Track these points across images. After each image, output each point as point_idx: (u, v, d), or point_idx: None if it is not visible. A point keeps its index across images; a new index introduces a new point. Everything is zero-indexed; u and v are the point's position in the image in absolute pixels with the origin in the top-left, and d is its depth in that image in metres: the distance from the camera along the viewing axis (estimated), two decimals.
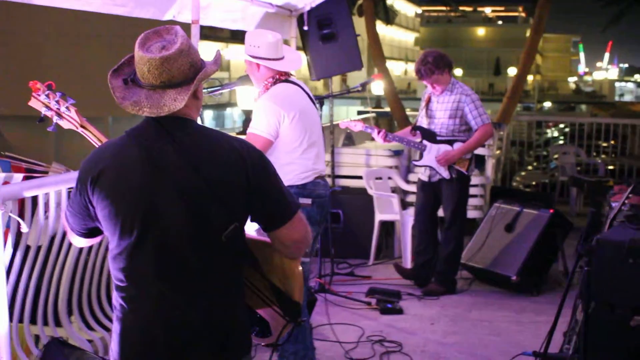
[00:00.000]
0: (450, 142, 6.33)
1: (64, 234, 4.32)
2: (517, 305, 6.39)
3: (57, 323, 4.38)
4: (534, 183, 13.20)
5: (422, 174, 6.62)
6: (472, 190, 6.79)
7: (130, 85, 2.44)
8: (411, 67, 62.78)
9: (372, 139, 7.77)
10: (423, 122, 6.54)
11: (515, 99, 13.64)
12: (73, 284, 4.47)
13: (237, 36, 30.07)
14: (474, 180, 7.21)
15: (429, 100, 6.49)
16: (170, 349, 2.43)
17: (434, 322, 5.98)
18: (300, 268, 2.68)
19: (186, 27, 4.92)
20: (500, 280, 6.73)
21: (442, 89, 6.37)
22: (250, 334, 2.63)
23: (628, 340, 3.67)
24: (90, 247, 4.62)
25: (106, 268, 4.78)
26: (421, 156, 6.48)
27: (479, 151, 6.57)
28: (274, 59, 4.40)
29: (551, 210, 6.85)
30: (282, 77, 4.44)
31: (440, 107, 6.41)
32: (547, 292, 6.73)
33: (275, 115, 4.29)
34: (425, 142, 6.44)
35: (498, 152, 9.88)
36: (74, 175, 4.29)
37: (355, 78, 35.34)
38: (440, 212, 6.68)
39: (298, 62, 4.59)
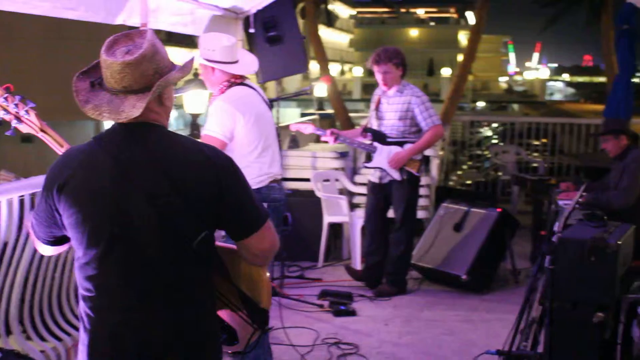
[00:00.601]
0: (400, 144, 6.36)
1: (16, 243, 4.23)
2: (468, 304, 6.46)
3: (8, 333, 4.28)
4: (469, 182, 13.36)
5: (372, 176, 6.64)
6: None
7: (96, 88, 2.39)
8: (347, 68, 63.24)
9: (317, 141, 7.76)
10: (373, 123, 6.56)
11: (456, 100, 13.82)
12: (25, 294, 4.36)
13: (172, 39, 29.79)
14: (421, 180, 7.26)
15: (379, 102, 6.51)
16: (140, 358, 2.38)
17: (387, 322, 6.00)
18: (268, 274, 2.66)
19: None
20: (450, 280, 6.79)
21: (390, 84, 6.38)
22: (220, 341, 2.59)
23: (590, 336, 3.75)
24: (42, 256, 4.52)
25: (58, 277, 4.68)
26: (371, 158, 6.50)
27: (425, 152, 6.61)
28: (229, 63, 4.38)
29: (499, 210, 6.94)
30: (238, 81, 4.43)
31: (390, 109, 6.43)
32: (496, 290, 6.83)
33: (231, 117, 4.28)
34: (375, 143, 6.46)
35: (442, 152, 9.99)
36: (25, 182, 4.21)
37: (290, 81, 35.32)
38: (391, 213, 6.70)
39: (253, 65, 4.57)
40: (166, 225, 2.34)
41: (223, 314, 2.59)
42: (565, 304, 3.76)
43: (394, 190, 6.50)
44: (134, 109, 2.32)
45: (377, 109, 6.53)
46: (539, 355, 3.89)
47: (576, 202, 4.08)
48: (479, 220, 6.96)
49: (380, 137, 6.44)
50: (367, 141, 6.52)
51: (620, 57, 9.36)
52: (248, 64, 4.52)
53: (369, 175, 6.76)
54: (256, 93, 4.51)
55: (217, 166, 2.43)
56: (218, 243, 2.53)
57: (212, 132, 4.28)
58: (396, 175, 6.38)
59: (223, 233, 2.58)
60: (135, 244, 2.34)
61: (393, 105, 6.41)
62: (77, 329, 4.86)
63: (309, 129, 6.56)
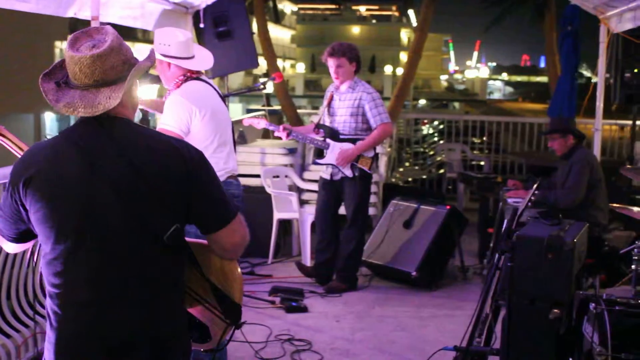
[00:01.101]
0: (352, 141, 6.37)
1: None
2: (418, 301, 6.51)
3: None
4: (411, 179, 13.48)
5: (324, 172, 6.64)
6: None
7: (63, 88, 2.38)
8: (288, 65, 63.24)
9: (265, 137, 7.71)
10: (325, 120, 6.57)
11: (402, 97, 13.93)
12: None
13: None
14: None
15: (331, 99, 6.52)
16: (109, 355, 2.36)
17: (339, 319, 6.02)
18: (240, 269, 2.65)
19: (87, 24, 4.79)
20: (400, 276, 6.83)
21: (343, 78, 6.41)
22: (189, 338, 2.57)
23: (547, 332, 3.82)
24: None
25: (7, 275, 4.59)
26: (322, 154, 6.50)
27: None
28: (184, 58, 4.35)
29: (448, 207, 7.01)
30: (193, 76, 4.40)
31: (342, 105, 6.45)
32: (445, 287, 6.90)
33: (187, 111, 4.25)
34: (328, 140, 6.46)
35: (389, 149, 10.05)
36: None
37: (233, 77, 35.15)
38: (341, 210, 6.72)
39: (209, 61, 4.55)
40: (135, 218, 2.32)
41: (194, 311, 2.57)
42: (522, 300, 3.82)
43: (345, 187, 6.52)
44: (109, 100, 2.32)
45: (329, 105, 6.54)
46: (496, 351, 3.95)
47: (529, 199, 4.15)
48: (428, 217, 7.01)
49: (332, 133, 6.44)
50: (320, 138, 6.52)
51: (565, 58, 9.53)
52: (204, 59, 4.50)
53: (320, 171, 6.76)
54: (212, 88, 4.49)
55: (186, 158, 2.42)
56: (188, 239, 2.51)
57: (167, 125, 4.25)
58: (348, 172, 6.40)
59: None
60: (104, 238, 2.31)
61: (345, 102, 6.44)
62: (27, 326, 4.78)
63: (261, 124, 6.53)
